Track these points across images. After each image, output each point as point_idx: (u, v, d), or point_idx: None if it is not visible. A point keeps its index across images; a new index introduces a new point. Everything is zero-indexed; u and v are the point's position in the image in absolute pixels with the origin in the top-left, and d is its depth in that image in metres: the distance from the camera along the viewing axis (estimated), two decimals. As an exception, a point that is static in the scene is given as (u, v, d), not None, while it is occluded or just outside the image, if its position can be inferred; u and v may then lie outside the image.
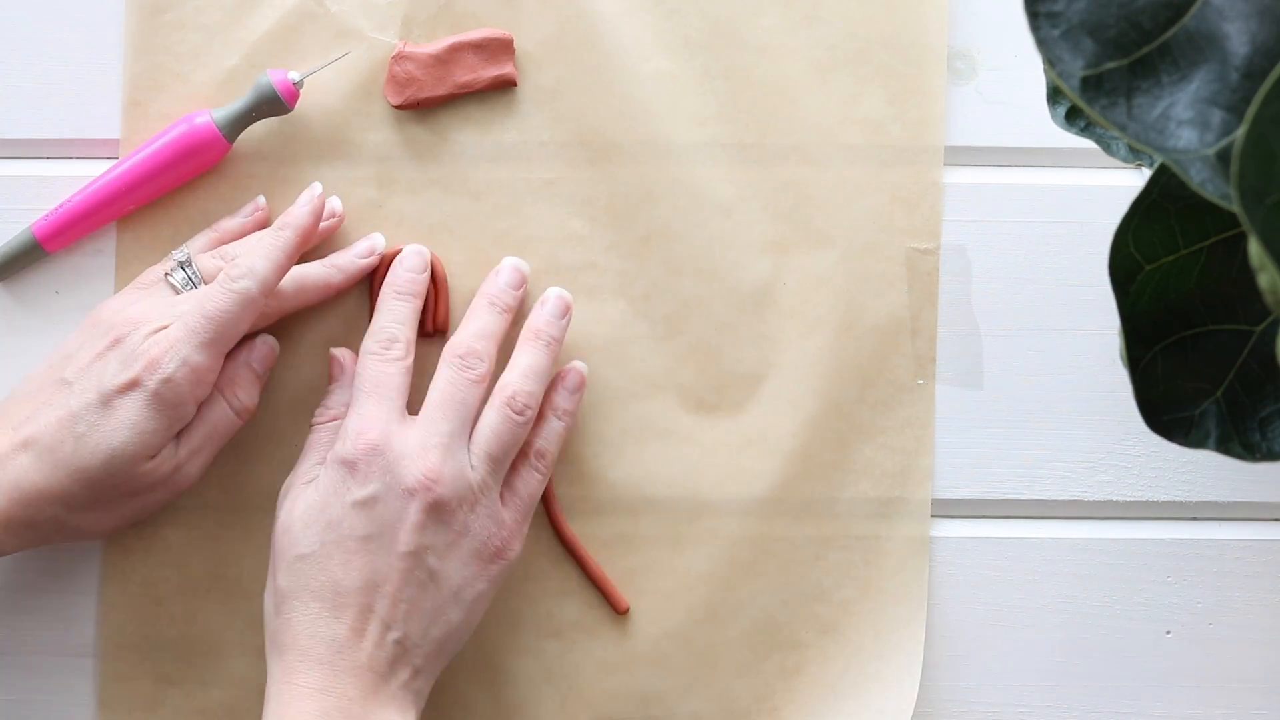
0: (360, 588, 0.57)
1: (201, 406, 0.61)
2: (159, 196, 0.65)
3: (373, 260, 0.64)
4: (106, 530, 0.61)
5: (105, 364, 0.59)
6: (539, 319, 0.63)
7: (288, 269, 0.61)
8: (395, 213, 0.65)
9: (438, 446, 0.59)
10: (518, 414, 0.60)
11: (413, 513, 0.58)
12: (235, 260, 0.60)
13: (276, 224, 0.61)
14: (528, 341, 0.62)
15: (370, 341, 0.61)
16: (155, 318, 0.60)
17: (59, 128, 0.66)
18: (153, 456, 0.59)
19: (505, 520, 0.60)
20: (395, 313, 0.62)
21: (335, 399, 0.63)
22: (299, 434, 0.65)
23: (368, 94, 0.65)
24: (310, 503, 0.59)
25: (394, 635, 0.57)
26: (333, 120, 0.65)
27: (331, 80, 0.65)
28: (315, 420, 0.63)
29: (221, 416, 0.62)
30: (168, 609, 0.65)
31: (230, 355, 0.61)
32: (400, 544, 0.58)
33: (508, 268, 0.64)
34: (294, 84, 0.63)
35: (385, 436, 0.59)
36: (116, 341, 0.59)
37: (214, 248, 0.64)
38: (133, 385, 0.58)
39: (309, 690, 0.56)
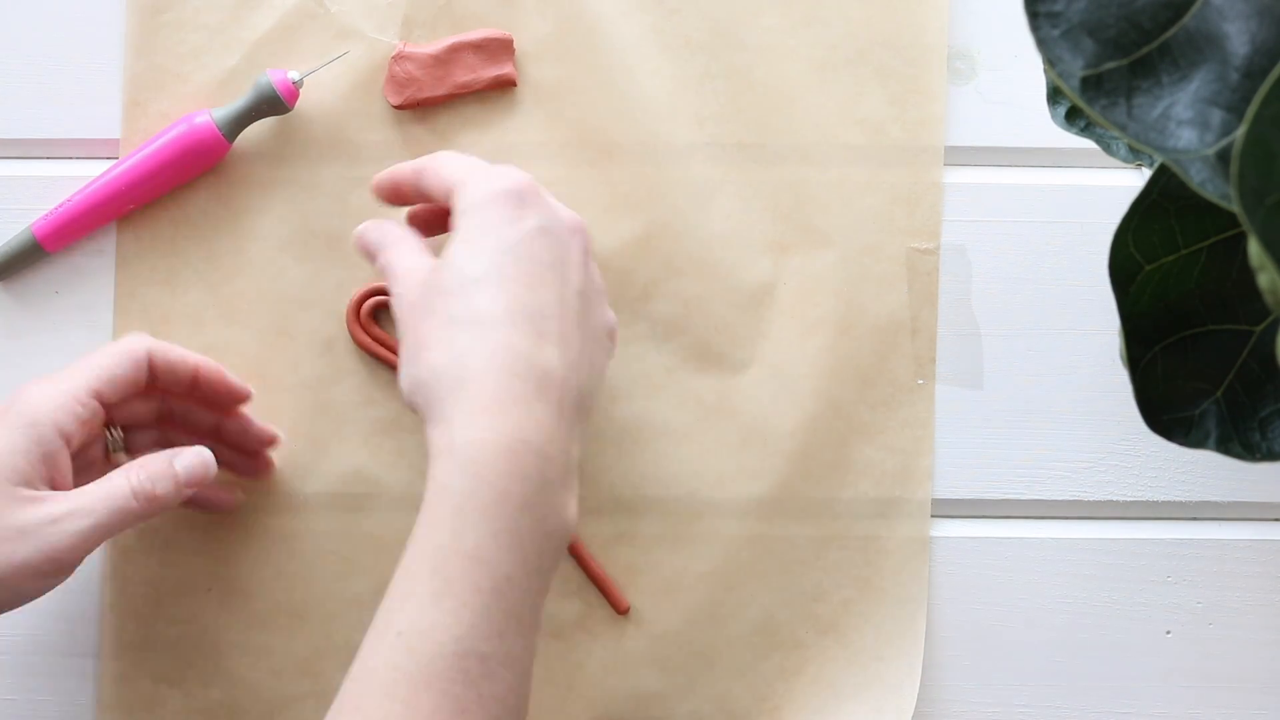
0: (557, 314, 0.53)
1: (99, 471, 0.58)
2: (159, 196, 0.65)
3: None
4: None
5: None
6: None
7: (188, 358, 0.61)
8: (395, 212, 0.65)
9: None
10: None
11: (576, 251, 0.55)
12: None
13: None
14: None
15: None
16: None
17: (59, 128, 0.66)
18: (22, 487, 0.55)
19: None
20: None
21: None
22: (298, 434, 0.65)
23: (368, 94, 0.65)
24: (472, 234, 0.53)
25: (574, 379, 0.53)
26: (333, 120, 0.65)
27: (331, 80, 0.65)
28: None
29: (117, 490, 0.56)
30: (168, 609, 0.65)
31: (157, 449, 0.60)
32: (573, 280, 0.54)
33: None
34: (294, 83, 0.63)
35: (532, 180, 0.55)
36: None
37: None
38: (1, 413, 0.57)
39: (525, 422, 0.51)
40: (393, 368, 0.65)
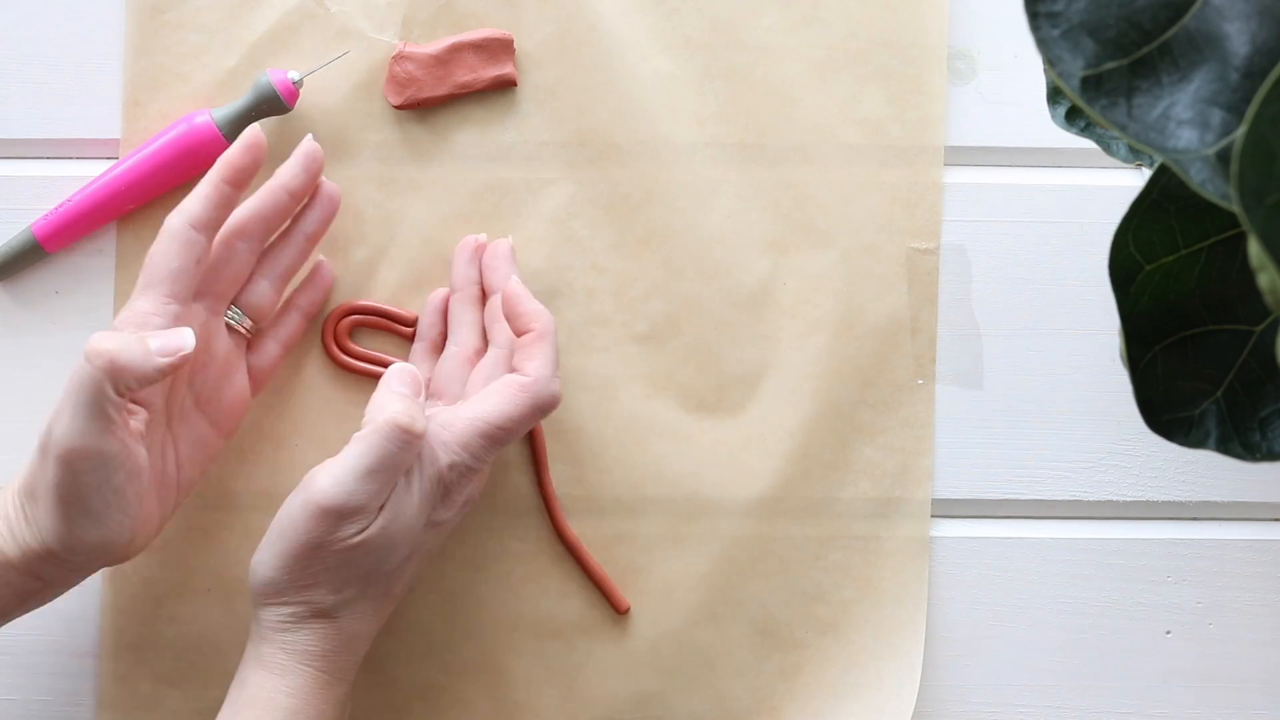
0: (400, 594, 0.60)
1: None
2: (158, 196, 0.65)
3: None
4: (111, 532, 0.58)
5: None
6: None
7: (220, 203, 0.59)
8: (395, 213, 0.65)
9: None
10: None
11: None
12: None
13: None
14: None
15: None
16: None
17: (59, 128, 0.66)
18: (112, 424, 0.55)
19: None
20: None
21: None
22: (298, 434, 0.65)
23: (368, 94, 0.65)
24: (411, 514, 0.58)
25: None
26: (333, 120, 0.65)
27: (331, 80, 0.65)
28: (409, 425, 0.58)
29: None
30: (168, 609, 0.65)
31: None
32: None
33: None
34: (294, 83, 0.63)
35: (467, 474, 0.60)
36: None
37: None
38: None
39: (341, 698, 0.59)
40: (374, 377, 0.64)
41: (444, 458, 0.58)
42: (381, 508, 0.56)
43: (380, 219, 0.65)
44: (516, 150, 0.66)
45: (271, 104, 0.63)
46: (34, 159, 0.66)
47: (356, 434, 0.57)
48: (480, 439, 0.58)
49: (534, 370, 0.59)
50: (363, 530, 0.56)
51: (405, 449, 0.56)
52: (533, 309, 0.61)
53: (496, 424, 0.58)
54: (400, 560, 0.58)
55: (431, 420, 0.58)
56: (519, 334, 0.61)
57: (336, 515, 0.56)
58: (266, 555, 0.57)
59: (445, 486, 0.58)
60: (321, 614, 0.57)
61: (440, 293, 0.65)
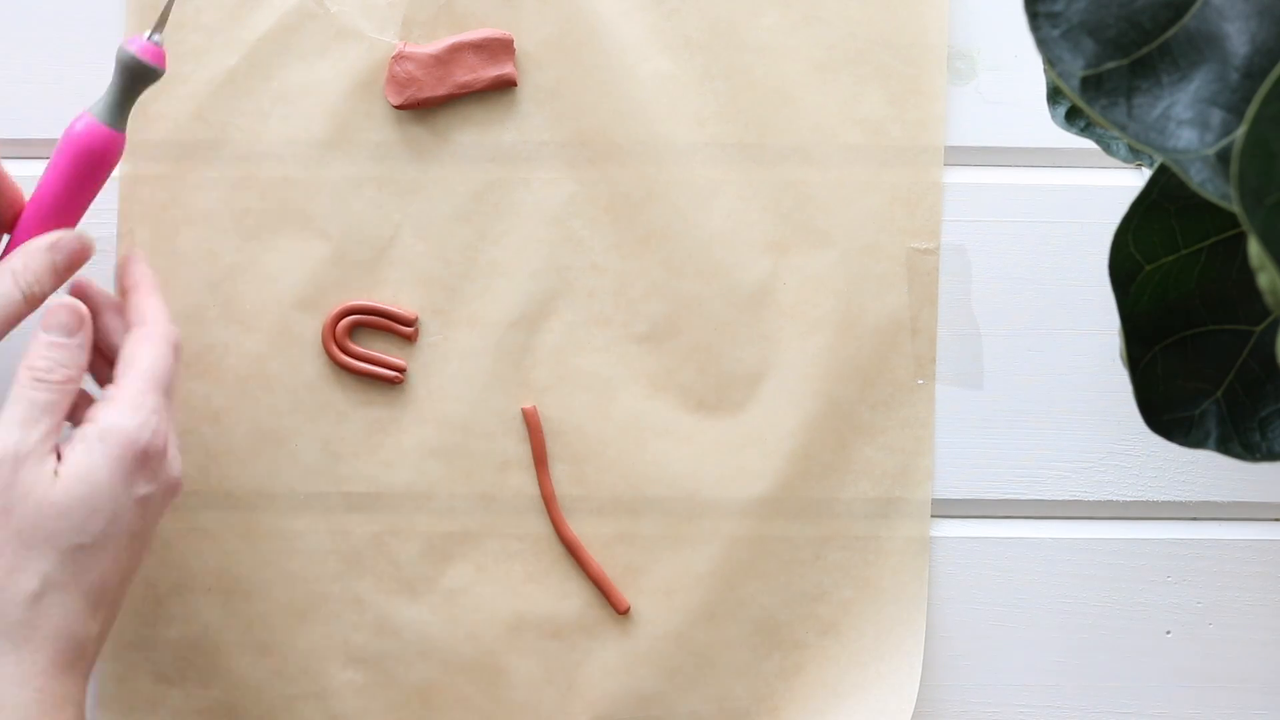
0: (118, 585, 0.57)
1: None
2: (86, 209, 0.61)
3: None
4: None
5: None
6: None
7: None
8: (395, 213, 0.65)
9: (178, 446, 0.60)
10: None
11: (165, 507, 0.59)
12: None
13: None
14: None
15: (172, 332, 0.60)
16: None
17: (59, 128, 0.66)
18: None
19: None
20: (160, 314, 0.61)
21: (70, 357, 0.58)
22: (298, 434, 0.65)
23: (368, 94, 0.65)
24: (96, 486, 0.55)
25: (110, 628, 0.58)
26: (333, 120, 0.65)
27: (331, 80, 0.65)
28: (44, 374, 0.57)
29: (5, 293, 0.57)
30: (168, 609, 0.65)
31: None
32: (150, 539, 0.58)
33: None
34: (155, 43, 0.59)
35: (166, 435, 0.58)
36: None
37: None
38: None
39: (65, 701, 0.55)
40: (374, 379, 0.65)
41: (127, 420, 0.56)
42: (58, 455, 0.56)
43: (380, 219, 0.65)
44: (516, 150, 0.66)
45: (141, 74, 0.59)
46: (34, 159, 0.66)
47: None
48: (152, 393, 0.57)
49: (150, 318, 0.60)
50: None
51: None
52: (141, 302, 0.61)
53: (158, 374, 0.58)
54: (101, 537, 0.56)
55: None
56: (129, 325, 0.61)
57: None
58: None
59: (140, 451, 0.56)
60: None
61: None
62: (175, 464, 0.58)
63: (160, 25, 0.59)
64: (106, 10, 0.66)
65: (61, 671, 0.55)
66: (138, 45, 0.58)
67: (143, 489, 0.57)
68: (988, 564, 0.66)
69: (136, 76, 0.59)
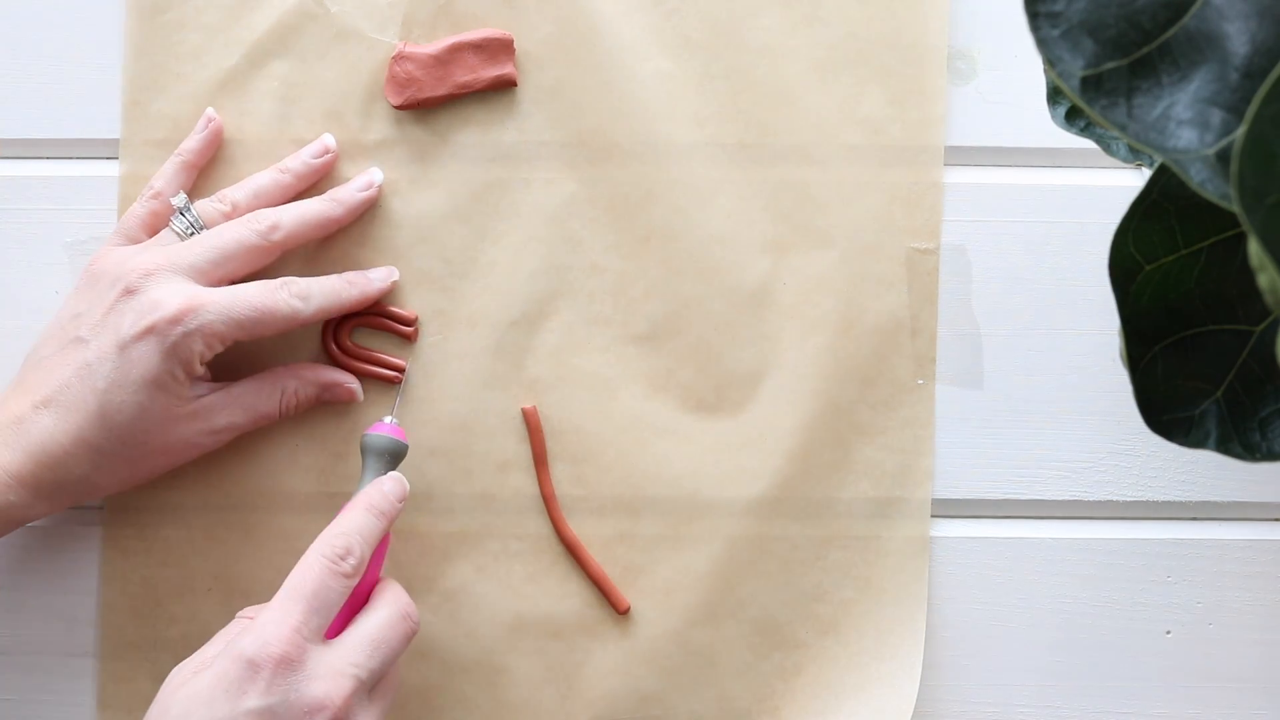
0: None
1: (252, 383, 0.62)
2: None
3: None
4: (135, 484, 0.62)
5: (120, 316, 0.59)
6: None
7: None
8: (395, 213, 0.65)
9: (354, 677, 0.55)
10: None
11: None
12: (258, 214, 0.62)
13: (280, 168, 0.64)
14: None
15: (325, 544, 0.57)
16: (164, 264, 0.60)
17: (59, 128, 0.66)
18: (185, 404, 0.60)
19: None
20: (361, 526, 0.58)
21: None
22: (298, 435, 0.65)
23: (368, 94, 0.66)
24: (197, 691, 0.53)
25: None
26: (333, 120, 0.65)
27: (332, 80, 0.65)
28: (240, 614, 0.58)
29: (268, 410, 0.63)
30: (168, 609, 0.65)
31: (319, 370, 0.64)
32: None
33: (390, 479, 0.61)
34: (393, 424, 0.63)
35: (303, 652, 0.54)
36: (128, 291, 0.59)
37: (185, 173, 0.64)
38: (149, 332, 0.58)
39: None
40: (374, 377, 0.65)
41: (246, 633, 0.55)
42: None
43: (380, 219, 0.65)
44: (516, 150, 0.66)
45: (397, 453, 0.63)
46: (34, 159, 0.66)
47: None
48: (288, 604, 0.56)
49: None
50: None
51: None
52: None
53: (305, 588, 0.56)
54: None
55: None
56: None
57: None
58: None
59: (247, 661, 0.54)
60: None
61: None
62: (322, 684, 0.54)
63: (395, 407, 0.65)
64: (106, 10, 0.66)
65: None
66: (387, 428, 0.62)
67: (253, 702, 0.53)
68: (988, 564, 0.66)
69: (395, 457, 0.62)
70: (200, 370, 0.60)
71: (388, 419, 0.63)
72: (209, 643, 0.57)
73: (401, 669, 0.65)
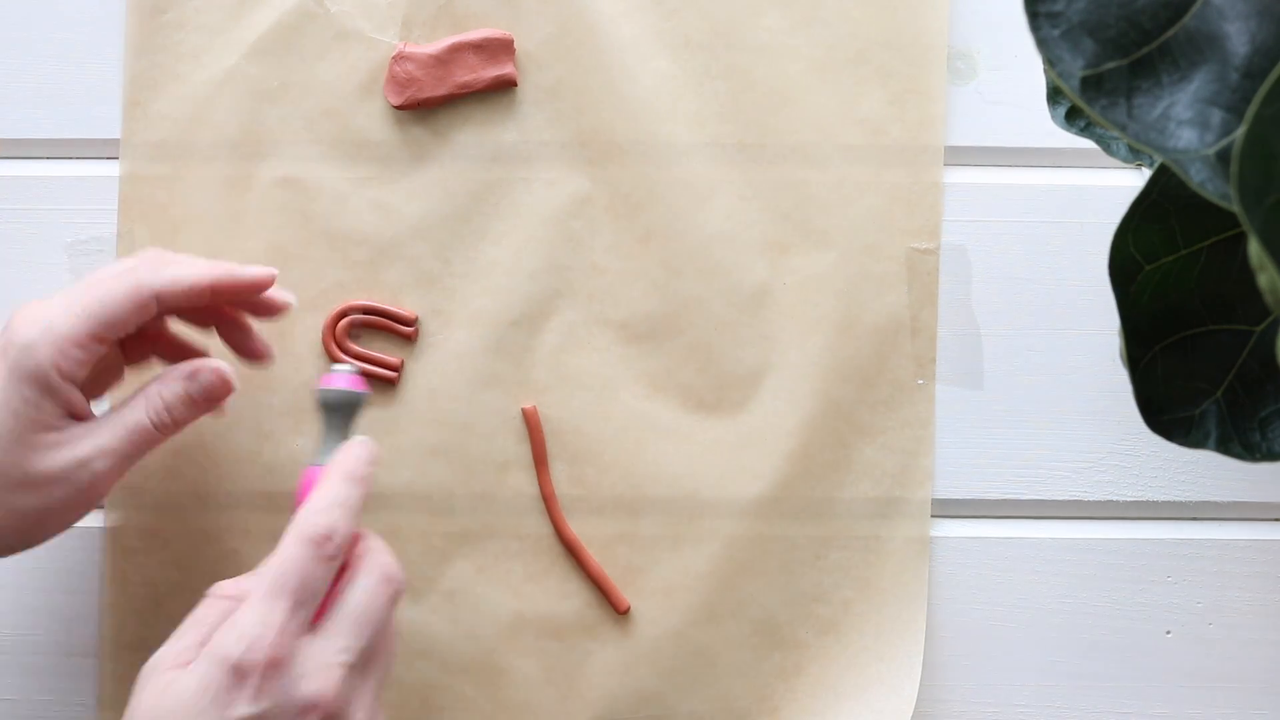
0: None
1: (118, 406, 0.58)
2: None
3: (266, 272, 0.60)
4: (7, 534, 0.57)
5: None
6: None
7: (200, 281, 0.58)
8: (395, 213, 0.65)
9: (343, 665, 0.52)
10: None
11: None
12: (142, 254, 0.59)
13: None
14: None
15: (307, 525, 0.53)
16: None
17: (59, 128, 0.66)
18: (44, 433, 0.56)
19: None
20: (343, 498, 0.54)
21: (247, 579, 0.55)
22: (298, 434, 0.65)
23: (368, 94, 0.66)
24: (180, 701, 0.50)
25: None
26: (333, 120, 0.65)
27: (332, 80, 0.65)
28: (214, 591, 0.54)
29: (137, 423, 0.57)
30: (168, 609, 0.65)
31: (168, 367, 0.59)
32: None
33: (359, 443, 0.57)
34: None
35: (291, 651, 0.51)
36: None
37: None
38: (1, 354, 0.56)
39: None
40: (374, 377, 0.65)
41: (226, 633, 0.52)
42: None
43: (380, 219, 0.65)
44: (516, 150, 0.66)
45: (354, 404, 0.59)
46: (34, 159, 0.66)
47: None
48: (269, 601, 0.52)
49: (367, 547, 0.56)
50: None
51: None
52: None
53: (287, 580, 0.52)
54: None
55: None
56: None
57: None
58: None
59: (233, 666, 0.51)
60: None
61: None
62: (312, 681, 0.51)
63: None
64: (106, 10, 0.66)
65: None
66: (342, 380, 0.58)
67: (242, 710, 0.50)
68: (988, 564, 0.66)
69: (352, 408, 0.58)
70: (67, 390, 0.56)
71: (343, 367, 0.58)
72: (182, 629, 0.53)
73: (403, 668, 0.65)
